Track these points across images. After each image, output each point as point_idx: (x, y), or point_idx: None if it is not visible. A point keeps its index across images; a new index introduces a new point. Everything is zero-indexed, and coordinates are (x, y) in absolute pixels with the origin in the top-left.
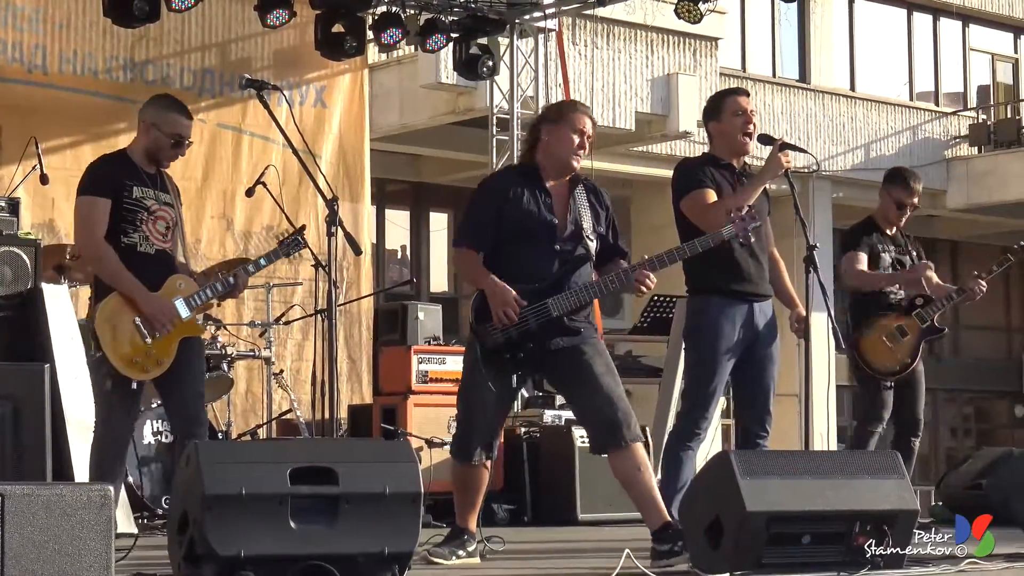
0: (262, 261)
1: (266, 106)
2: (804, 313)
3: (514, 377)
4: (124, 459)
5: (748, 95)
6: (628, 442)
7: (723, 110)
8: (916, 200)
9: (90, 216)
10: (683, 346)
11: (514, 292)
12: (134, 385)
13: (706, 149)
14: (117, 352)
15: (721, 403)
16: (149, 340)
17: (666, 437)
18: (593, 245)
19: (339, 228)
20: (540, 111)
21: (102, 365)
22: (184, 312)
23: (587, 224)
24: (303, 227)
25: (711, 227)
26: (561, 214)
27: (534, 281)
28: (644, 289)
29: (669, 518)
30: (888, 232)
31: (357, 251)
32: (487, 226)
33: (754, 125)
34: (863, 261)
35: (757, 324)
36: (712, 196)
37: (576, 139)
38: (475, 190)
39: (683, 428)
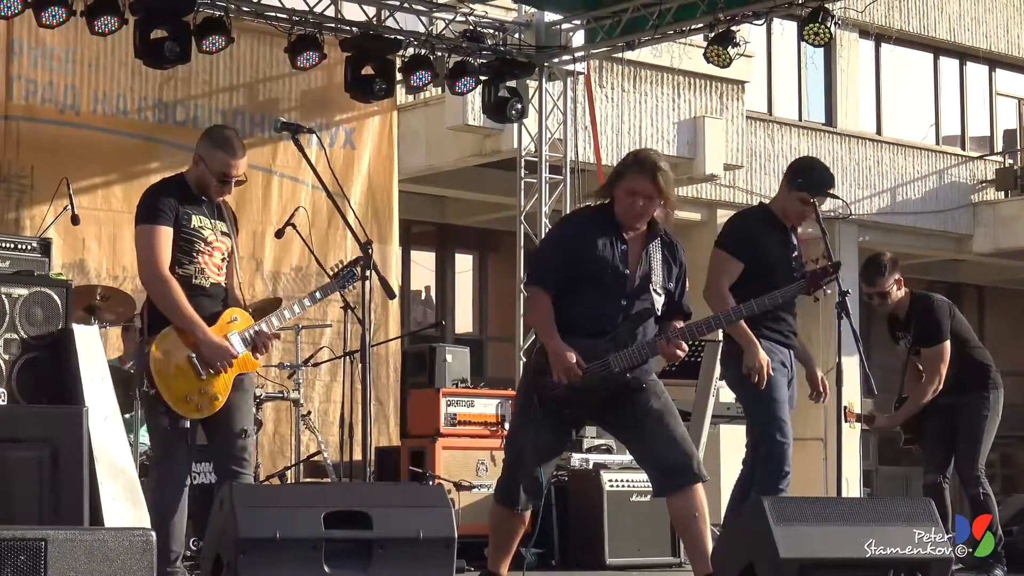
0: (317, 295)
1: (301, 149)
2: (819, 373)
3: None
4: (184, 497)
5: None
6: (689, 484)
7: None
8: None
9: (153, 245)
10: (734, 396)
11: (576, 356)
12: (187, 423)
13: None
14: (171, 389)
15: None
16: (204, 376)
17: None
18: (660, 300)
19: (373, 272)
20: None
21: (157, 402)
22: (240, 348)
23: (657, 278)
24: (359, 258)
25: None
26: (633, 266)
27: (597, 332)
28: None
29: (711, 570)
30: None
31: (391, 295)
32: (558, 267)
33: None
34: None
35: (793, 368)
36: None
37: (628, 200)
38: (550, 229)
39: (773, 469)
